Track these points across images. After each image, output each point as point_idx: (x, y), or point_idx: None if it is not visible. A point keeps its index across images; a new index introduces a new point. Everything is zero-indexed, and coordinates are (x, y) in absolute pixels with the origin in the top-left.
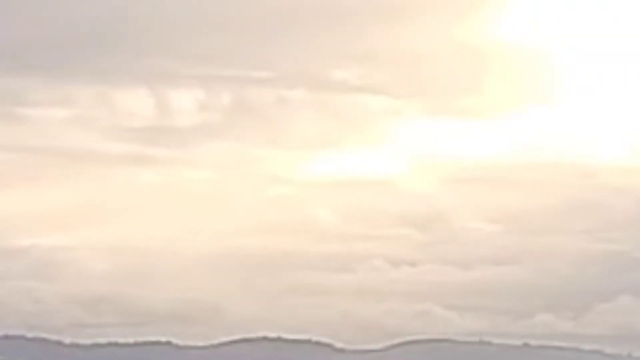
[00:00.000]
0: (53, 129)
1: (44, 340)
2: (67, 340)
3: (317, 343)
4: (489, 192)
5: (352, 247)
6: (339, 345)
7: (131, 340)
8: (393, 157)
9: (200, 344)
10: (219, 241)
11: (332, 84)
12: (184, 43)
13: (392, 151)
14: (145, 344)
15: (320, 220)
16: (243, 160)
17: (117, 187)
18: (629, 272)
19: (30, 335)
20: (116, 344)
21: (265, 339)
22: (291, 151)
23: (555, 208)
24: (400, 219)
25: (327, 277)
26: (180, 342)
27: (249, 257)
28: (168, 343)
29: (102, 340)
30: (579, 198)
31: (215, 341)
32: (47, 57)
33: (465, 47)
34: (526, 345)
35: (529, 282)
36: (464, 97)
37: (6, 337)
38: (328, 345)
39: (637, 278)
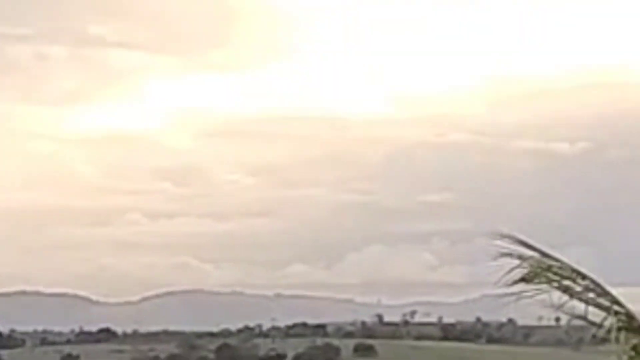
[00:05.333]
0: None
1: None
2: None
3: (75, 296)
4: (244, 145)
5: (109, 201)
6: (95, 298)
7: None
8: (149, 112)
9: None
10: None
11: (89, 39)
12: None
13: (147, 106)
14: None
15: (78, 175)
16: (1, 117)
17: None
18: (380, 222)
19: None
20: None
21: (23, 293)
22: (49, 107)
23: (308, 160)
24: (157, 173)
25: (85, 231)
26: None
27: (8, 213)
28: None
29: None
30: (332, 150)
31: None
32: None
33: (215, 3)
34: (279, 295)
35: (283, 233)
36: (215, 52)
37: None
38: (85, 299)
39: (387, 228)
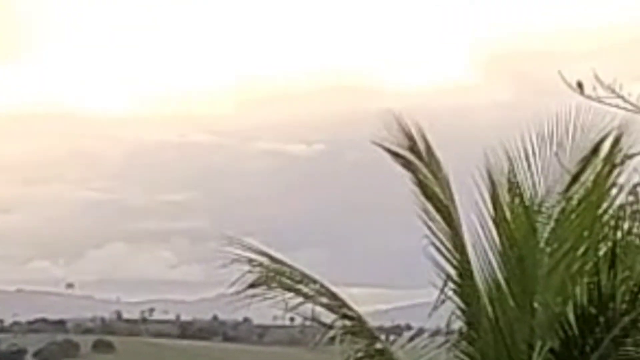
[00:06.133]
0: None
1: None
2: None
3: None
4: None
5: None
6: None
7: None
8: None
9: None
10: None
11: None
12: None
13: None
14: None
15: None
16: None
17: None
18: (121, 220)
19: None
20: None
21: None
22: None
23: (49, 158)
24: None
25: None
26: None
27: None
28: None
29: None
30: (73, 148)
31: None
32: None
33: None
34: (20, 290)
35: (24, 230)
36: None
37: None
38: None
39: (128, 226)
